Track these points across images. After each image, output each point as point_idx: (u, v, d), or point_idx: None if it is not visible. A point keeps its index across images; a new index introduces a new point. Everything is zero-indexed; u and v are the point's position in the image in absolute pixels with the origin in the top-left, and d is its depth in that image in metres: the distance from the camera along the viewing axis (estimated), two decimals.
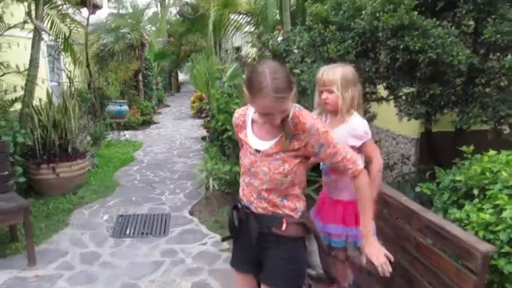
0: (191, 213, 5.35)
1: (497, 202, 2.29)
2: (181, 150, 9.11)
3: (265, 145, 1.93)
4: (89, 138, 8.01)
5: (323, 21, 3.78)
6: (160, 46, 19.37)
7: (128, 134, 10.34)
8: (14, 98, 6.15)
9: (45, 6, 6.42)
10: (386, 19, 3.11)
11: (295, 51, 4.39)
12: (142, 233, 4.73)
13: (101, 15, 12.82)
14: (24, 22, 6.04)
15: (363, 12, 3.35)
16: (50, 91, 6.63)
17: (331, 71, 2.26)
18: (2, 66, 6.08)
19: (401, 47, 3.14)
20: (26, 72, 5.96)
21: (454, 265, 2.00)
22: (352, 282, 2.69)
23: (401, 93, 3.61)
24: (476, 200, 2.48)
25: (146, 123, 12.46)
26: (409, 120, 3.57)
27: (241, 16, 10.39)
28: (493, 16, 3.22)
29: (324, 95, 2.28)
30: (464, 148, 2.90)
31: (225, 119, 5.21)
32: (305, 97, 3.89)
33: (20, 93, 6.11)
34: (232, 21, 10.79)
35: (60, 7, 7.24)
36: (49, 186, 5.72)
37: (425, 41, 3.05)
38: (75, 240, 4.51)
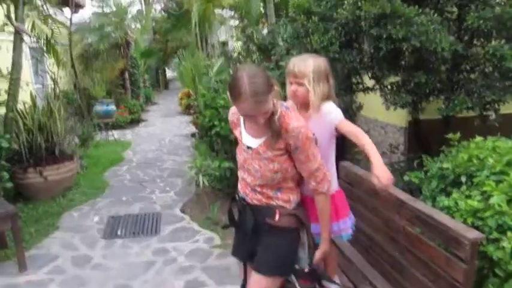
0: (182, 211, 5.32)
1: (484, 189, 2.29)
2: (171, 148, 9.05)
3: (255, 143, 2.00)
4: (76, 139, 7.93)
5: (305, 13, 3.76)
6: (146, 44, 19.21)
7: (116, 134, 10.25)
8: None
9: (25, 8, 6.30)
10: (368, 8, 3.09)
11: (281, 43, 4.37)
12: (134, 233, 4.69)
13: (84, 14, 12.69)
14: (4, 24, 5.94)
15: (345, 1, 3.32)
16: (34, 94, 6.54)
17: (303, 63, 2.11)
18: None
19: (384, 36, 3.12)
20: (9, 76, 5.86)
21: (443, 254, 2.00)
22: None
23: (386, 83, 3.59)
24: (464, 187, 2.48)
25: (134, 122, 12.38)
26: (395, 109, 3.57)
27: (225, 10, 10.33)
28: (475, 2, 3.21)
29: (293, 87, 2.13)
30: (451, 136, 2.90)
31: (212, 115, 5.17)
32: None
33: (4, 97, 6.01)
34: (217, 16, 10.73)
35: (41, 8, 7.12)
36: (37, 190, 5.65)
37: (408, 29, 3.04)
38: (66, 244, 4.46)
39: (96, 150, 8.66)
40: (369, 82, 3.87)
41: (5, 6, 5.67)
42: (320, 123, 2.13)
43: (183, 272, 3.82)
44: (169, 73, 25.08)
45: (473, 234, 1.88)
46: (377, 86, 3.73)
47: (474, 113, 3.41)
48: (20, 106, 5.90)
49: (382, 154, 5.01)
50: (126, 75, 13.16)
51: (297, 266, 2.12)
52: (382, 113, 4.06)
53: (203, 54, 10.37)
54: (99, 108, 9.88)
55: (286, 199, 2.04)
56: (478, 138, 2.77)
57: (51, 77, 8.19)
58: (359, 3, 3.17)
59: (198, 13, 10.92)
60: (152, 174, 7.01)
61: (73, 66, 9.46)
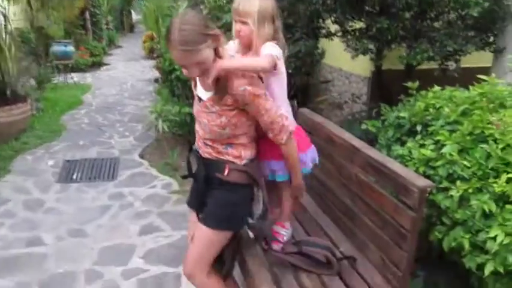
0: (141, 156, 5.22)
1: (438, 138, 2.29)
2: (133, 93, 8.79)
3: (205, 95, 1.93)
4: (32, 81, 7.57)
5: None
6: None
7: (76, 77, 9.84)
8: None
9: None
10: None
11: None
12: (90, 178, 4.59)
13: None
14: None
15: None
16: None
17: (248, 2, 1.99)
18: None
19: None
20: None
21: (392, 201, 2.00)
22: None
23: (349, 29, 3.49)
24: (418, 137, 2.48)
25: (96, 65, 11.90)
26: (355, 56, 3.48)
27: None
28: None
29: (237, 26, 2.03)
30: (409, 84, 2.87)
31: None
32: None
33: None
34: None
35: None
36: None
37: None
38: (18, 187, 4.32)
39: (54, 93, 8.32)
40: (332, 27, 3.76)
41: None
42: None
43: (139, 216, 3.78)
44: (134, 16, 24.03)
45: (422, 182, 1.87)
46: (340, 32, 3.62)
47: (436, 63, 3.37)
48: None
49: (345, 103, 5.04)
50: (87, 15, 12.50)
51: (251, 221, 2.09)
52: (347, 62, 3.99)
53: None
54: (56, 48, 9.40)
55: (237, 155, 1.97)
56: (436, 88, 2.75)
57: (1, 13, 7.64)
58: None
59: None
60: (112, 119, 6.82)
61: (28, 2, 8.87)
